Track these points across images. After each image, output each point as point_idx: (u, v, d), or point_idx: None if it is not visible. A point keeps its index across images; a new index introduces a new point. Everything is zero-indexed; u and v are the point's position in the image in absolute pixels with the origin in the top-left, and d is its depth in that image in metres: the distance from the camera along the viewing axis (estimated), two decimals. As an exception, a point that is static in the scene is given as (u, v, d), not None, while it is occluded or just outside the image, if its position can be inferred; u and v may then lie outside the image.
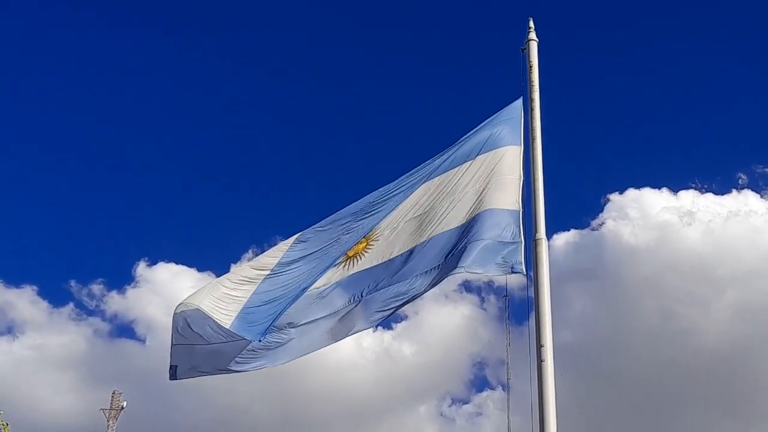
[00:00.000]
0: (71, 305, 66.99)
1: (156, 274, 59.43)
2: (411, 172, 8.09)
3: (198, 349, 7.45)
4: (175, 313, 7.45)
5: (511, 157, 7.78)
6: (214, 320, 7.35)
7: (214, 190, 73.31)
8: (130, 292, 60.76)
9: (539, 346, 6.83)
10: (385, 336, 56.01)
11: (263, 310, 7.55)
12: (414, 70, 76.59)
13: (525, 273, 7.08)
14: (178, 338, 7.46)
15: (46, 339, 60.14)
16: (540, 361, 6.77)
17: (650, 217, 51.62)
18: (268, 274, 7.81)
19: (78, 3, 76.01)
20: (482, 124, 8.14)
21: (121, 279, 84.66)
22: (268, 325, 7.38)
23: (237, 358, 7.33)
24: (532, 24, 8.21)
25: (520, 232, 7.24)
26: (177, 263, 63.45)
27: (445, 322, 56.73)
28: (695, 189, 64.39)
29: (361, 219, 7.93)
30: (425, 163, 8.11)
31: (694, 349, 48.60)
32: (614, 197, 54.93)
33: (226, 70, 75.46)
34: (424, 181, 7.98)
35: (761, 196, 55.11)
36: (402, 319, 54.82)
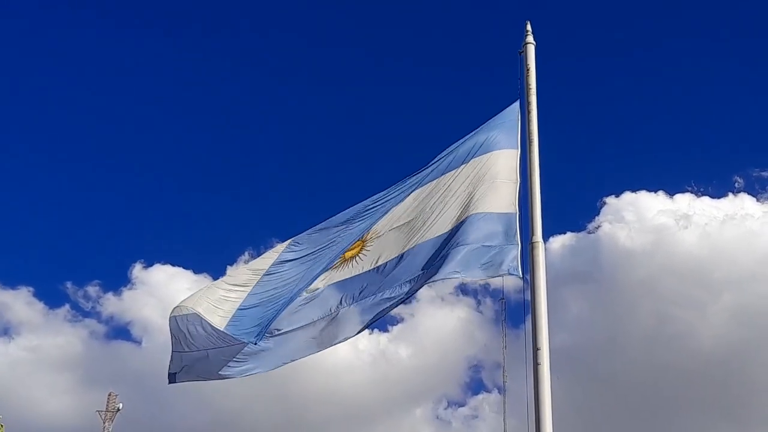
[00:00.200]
0: (67, 307, 67.24)
1: (152, 276, 59.58)
2: (405, 178, 8.11)
3: (196, 355, 7.48)
4: (172, 317, 7.47)
5: (506, 160, 7.76)
6: (209, 324, 7.36)
7: (211, 191, 73.50)
8: (126, 293, 60.95)
9: (535, 349, 6.82)
10: (382, 338, 56.11)
11: (256, 312, 7.58)
12: (412, 73, 76.88)
13: (521, 276, 7.07)
14: (177, 345, 7.48)
15: (42, 340, 60.23)
16: (536, 364, 6.76)
17: (646, 220, 51.79)
18: (262, 276, 7.83)
19: (78, 3, 76.20)
20: (478, 128, 8.14)
21: (117, 281, 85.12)
22: (262, 327, 7.39)
23: (231, 363, 7.34)
24: (529, 27, 8.21)
25: (516, 235, 7.22)
26: (173, 265, 63.74)
27: (442, 324, 56.83)
28: (691, 192, 64.84)
29: (355, 223, 7.94)
30: (420, 168, 8.12)
31: (690, 352, 48.70)
32: (611, 200, 55.15)
33: (225, 72, 75.70)
34: (417, 187, 7.97)
35: (757, 200, 55.36)
36: (398, 322, 54.90)
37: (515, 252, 7.10)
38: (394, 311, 7.44)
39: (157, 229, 74.05)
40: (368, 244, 7.80)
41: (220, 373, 7.41)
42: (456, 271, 7.07)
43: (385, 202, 7.98)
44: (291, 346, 7.41)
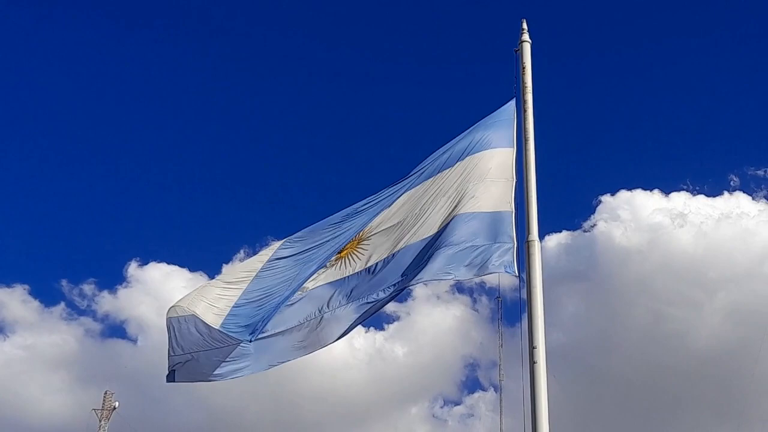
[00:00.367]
0: (62, 305, 66.97)
1: (148, 274, 59.38)
2: (400, 178, 8.11)
3: (191, 356, 7.47)
4: (168, 319, 7.46)
5: (501, 158, 7.75)
6: (205, 323, 7.35)
7: (206, 190, 73.35)
8: (122, 291, 60.71)
9: (531, 347, 6.82)
10: (377, 337, 56.03)
11: (250, 310, 7.58)
12: (408, 71, 76.77)
13: (517, 274, 7.06)
14: (173, 346, 7.47)
15: (37, 339, 60.01)
16: (532, 362, 6.77)
17: (642, 219, 51.76)
18: (257, 273, 7.82)
19: (78, 3, 76.04)
20: (474, 126, 8.13)
21: (113, 279, 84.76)
22: (256, 326, 7.39)
23: (224, 364, 7.34)
24: (525, 25, 8.21)
25: (511, 233, 7.21)
26: (169, 263, 63.58)
27: (437, 323, 56.77)
28: (687, 191, 64.80)
29: (350, 222, 7.93)
30: (414, 167, 8.11)
31: (686, 351, 48.71)
32: (606, 199, 55.11)
33: (222, 71, 75.57)
34: (412, 186, 7.97)
35: (753, 198, 55.40)
36: (394, 320, 54.88)
37: (504, 250, 7.10)
38: (390, 309, 7.47)
39: (153, 227, 73.89)
40: (362, 243, 7.80)
41: (214, 373, 7.41)
42: (445, 271, 7.08)
43: (380, 201, 7.98)
44: (283, 346, 7.42)
